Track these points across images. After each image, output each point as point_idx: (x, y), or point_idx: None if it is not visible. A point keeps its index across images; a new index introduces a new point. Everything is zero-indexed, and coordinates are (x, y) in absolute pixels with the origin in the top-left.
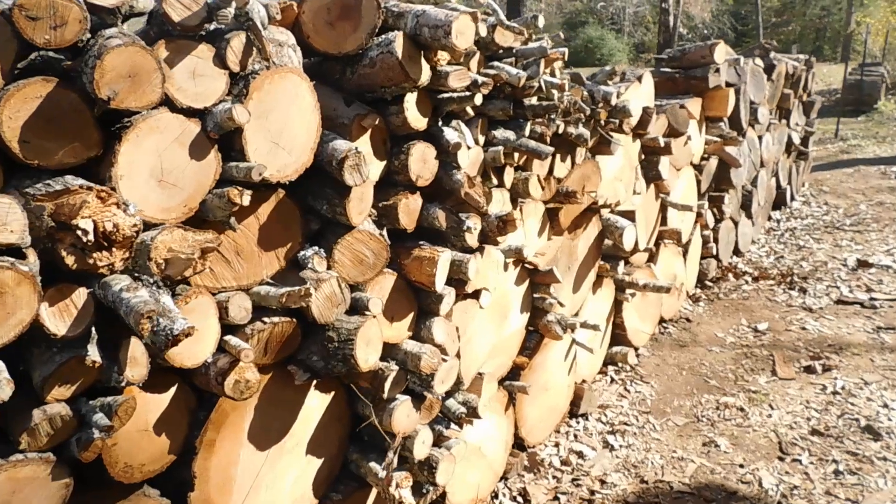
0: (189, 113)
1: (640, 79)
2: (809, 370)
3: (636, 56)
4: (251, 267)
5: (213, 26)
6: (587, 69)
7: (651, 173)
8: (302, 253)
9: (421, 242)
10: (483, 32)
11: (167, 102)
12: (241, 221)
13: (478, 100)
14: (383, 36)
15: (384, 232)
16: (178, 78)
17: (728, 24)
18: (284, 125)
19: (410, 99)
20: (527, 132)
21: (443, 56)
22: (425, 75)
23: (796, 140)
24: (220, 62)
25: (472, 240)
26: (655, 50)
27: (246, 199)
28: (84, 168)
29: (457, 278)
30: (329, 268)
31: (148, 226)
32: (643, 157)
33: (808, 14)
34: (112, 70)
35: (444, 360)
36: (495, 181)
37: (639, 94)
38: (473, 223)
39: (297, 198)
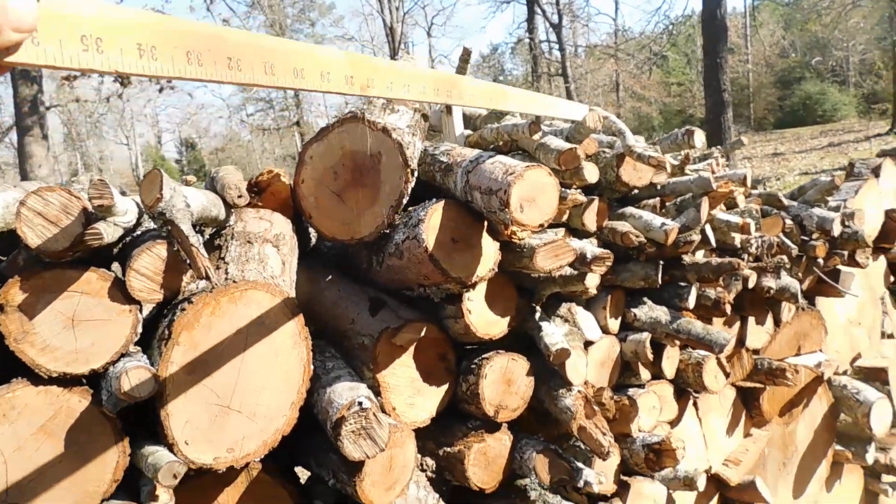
0: (69, 381)
1: (875, 171)
2: None
3: (867, 108)
4: None
5: (138, 230)
6: (807, 128)
7: None
8: None
9: None
10: (592, 178)
11: (27, 371)
12: None
13: (592, 281)
14: (414, 209)
15: None
16: (43, 331)
17: None
18: (240, 376)
19: (474, 296)
20: (690, 302)
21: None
22: (485, 266)
23: None
24: (123, 294)
25: (601, 488)
26: (893, 99)
27: None
28: None
29: None
30: None
31: None
32: (894, 279)
33: None
34: None
35: None
36: (645, 374)
37: (877, 196)
38: (595, 477)
39: (296, 458)
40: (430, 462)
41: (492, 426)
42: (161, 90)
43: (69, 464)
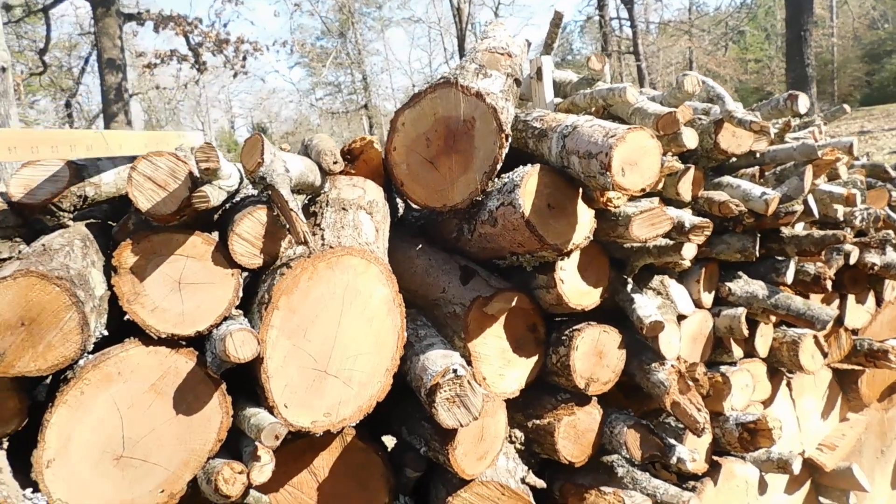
0: (174, 343)
1: None
2: None
3: None
4: None
5: (237, 197)
6: None
7: None
8: None
9: (602, 487)
10: (691, 143)
11: (138, 331)
12: (288, 479)
13: (688, 252)
14: (508, 176)
15: (529, 476)
16: (153, 293)
17: None
18: (336, 341)
19: (567, 265)
20: (788, 277)
21: (614, 193)
22: (581, 233)
23: None
24: (225, 258)
25: (693, 466)
26: None
27: (236, 489)
28: None
29: None
30: None
31: None
32: None
33: None
34: None
35: None
36: (737, 352)
37: None
38: (689, 454)
39: (383, 427)
40: (518, 434)
41: (582, 399)
42: (235, 75)
43: (177, 422)
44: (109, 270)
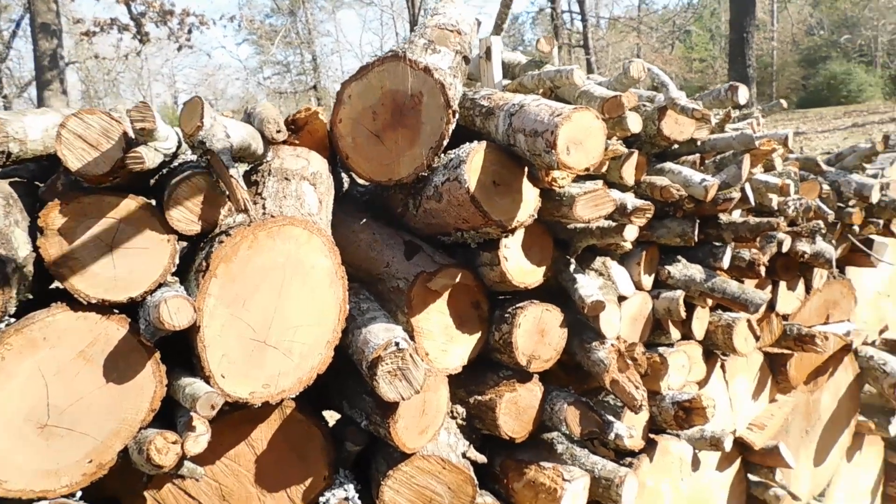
0: (105, 309)
1: None
2: None
3: (894, 90)
4: None
5: (175, 162)
6: (831, 109)
7: None
8: (326, 496)
9: (542, 463)
10: (635, 127)
11: (66, 296)
12: (225, 451)
13: (630, 233)
14: (454, 152)
15: (470, 451)
16: (82, 257)
17: None
18: (277, 311)
19: (511, 243)
20: (725, 262)
21: (559, 173)
22: (525, 211)
23: None
24: (161, 223)
25: (631, 443)
26: None
27: (170, 459)
28: None
29: None
30: None
31: None
32: None
33: None
34: None
35: None
36: (675, 334)
37: None
38: (626, 431)
39: (324, 401)
40: (460, 410)
41: (523, 376)
42: (179, 49)
43: (108, 390)
44: (35, 232)
